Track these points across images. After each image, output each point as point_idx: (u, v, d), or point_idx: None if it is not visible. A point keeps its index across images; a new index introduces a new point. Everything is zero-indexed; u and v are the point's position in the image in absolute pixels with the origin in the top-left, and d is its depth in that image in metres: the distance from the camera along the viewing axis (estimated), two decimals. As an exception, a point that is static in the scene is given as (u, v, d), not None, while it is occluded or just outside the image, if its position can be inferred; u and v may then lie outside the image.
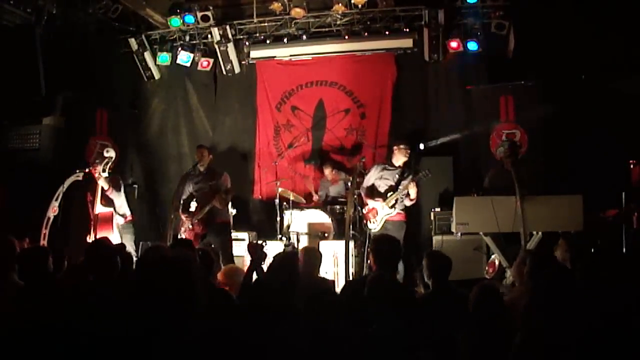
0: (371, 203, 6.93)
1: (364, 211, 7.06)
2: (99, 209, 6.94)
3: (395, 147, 7.09)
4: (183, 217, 6.77)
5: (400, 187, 6.73)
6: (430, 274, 3.90)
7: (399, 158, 6.96)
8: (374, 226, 6.86)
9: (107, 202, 7.06)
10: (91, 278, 3.96)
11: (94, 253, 3.82)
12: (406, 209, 6.96)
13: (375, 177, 6.96)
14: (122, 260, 3.90)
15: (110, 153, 7.09)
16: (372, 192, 6.95)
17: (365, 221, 7.08)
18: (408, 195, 6.72)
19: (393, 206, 6.76)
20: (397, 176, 6.85)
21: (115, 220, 7.05)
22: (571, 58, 7.32)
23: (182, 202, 6.87)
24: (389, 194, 6.77)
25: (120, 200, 7.19)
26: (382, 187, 6.90)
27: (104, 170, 6.96)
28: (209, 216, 6.71)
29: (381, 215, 6.82)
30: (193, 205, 6.84)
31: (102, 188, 6.95)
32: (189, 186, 6.92)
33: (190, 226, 6.70)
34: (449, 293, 3.72)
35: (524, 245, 5.58)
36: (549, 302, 3.14)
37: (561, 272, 3.34)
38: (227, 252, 6.77)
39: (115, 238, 6.81)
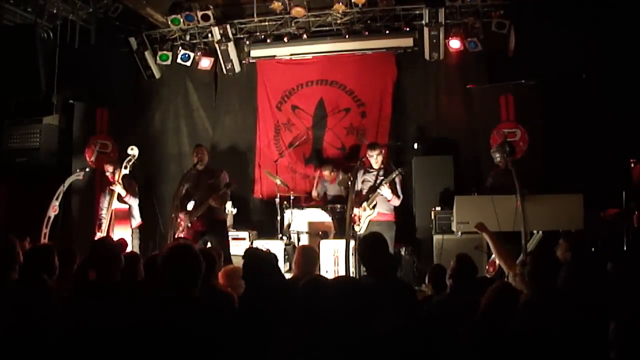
0: (356, 210, 6.95)
1: (352, 215, 7.14)
2: (115, 204, 6.97)
3: (367, 155, 7.05)
4: (180, 215, 6.76)
5: (378, 188, 6.81)
6: (452, 276, 3.78)
7: (373, 163, 6.98)
8: (359, 228, 6.90)
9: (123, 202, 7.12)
10: (93, 276, 3.96)
11: (97, 251, 3.81)
12: (398, 209, 7.00)
13: (360, 182, 6.99)
14: (127, 259, 3.90)
15: (134, 151, 7.15)
16: (357, 196, 6.95)
17: (352, 224, 7.13)
18: (384, 196, 6.77)
19: (373, 207, 6.82)
20: (375, 177, 6.91)
21: (130, 218, 7.10)
22: (572, 57, 7.31)
23: (179, 201, 6.87)
24: (370, 195, 6.83)
25: (135, 205, 7.23)
26: (364, 190, 6.96)
27: (125, 167, 7.00)
28: (208, 214, 6.70)
29: (364, 217, 6.86)
30: (190, 205, 6.83)
31: (119, 195, 6.97)
32: (185, 185, 6.91)
33: (189, 225, 6.69)
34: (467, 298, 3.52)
35: (524, 245, 5.58)
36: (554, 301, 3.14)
37: (566, 272, 3.34)
38: (226, 252, 6.76)
39: (129, 235, 6.85)
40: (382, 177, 6.82)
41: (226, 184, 6.73)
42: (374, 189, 6.84)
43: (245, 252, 3.91)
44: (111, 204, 6.97)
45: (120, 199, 7.00)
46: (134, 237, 7.13)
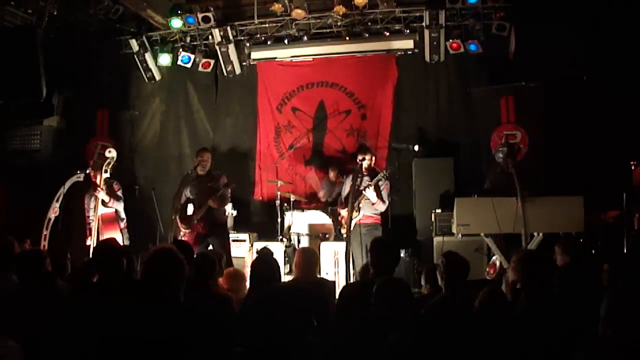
0: (342, 212, 7.05)
1: (339, 218, 7.23)
2: (101, 209, 6.92)
3: (358, 156, 7.08)
4: (179, 223, 6.74)
5: (363, 192, 6.80)
6: (444, 276, 3.76)
7: (365, 164, 6.97)
8: (345, 230, 6.86)
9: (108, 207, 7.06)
10: (94, 279, 3.97)
11: (101, 253, 3.80)
12: (389, 212, 7.07)
13: (349, 186, 6.99)
14: (127, 262, 3.90)
15: (112, 153, 7.06)
16: (345, 199, 7.00)
17: (339, 227, 7.24)
18: (369, 199, 6.77)
19: (358, 210, 6.83)
20: (363, 181, 6.88)
21: (118, 221, 7.06)
22: (572, 59, 7.31)
23: (179, 206, 6.82)
24: (356, 199, 6.82)
25: (120, 208, 7.18)
26: (352, 192, 6.92)
27: (105, 171, 6.94)
28: (208, 216, 6.69)
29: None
30: (190, 209, 6.82)
31: (103, 201, 6.91)
32: (186, 190, 6.87)
33: (189, 230, 6.67)
34: (462, 298, 3.53)
35: (524, 247, 5.57)
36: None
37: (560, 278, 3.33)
38: (228, 255, 6.74)
39: (119, 238, 6.81)
40: (367, 181, 6.83)
41: (225, 184, 6.72)
42: (359, 192, 6.84)
43: (259, 254, 3.86)
44: (97, 209, 6.90)
45: (104, 204, 6.94)
46: (124, 239, 7.08)
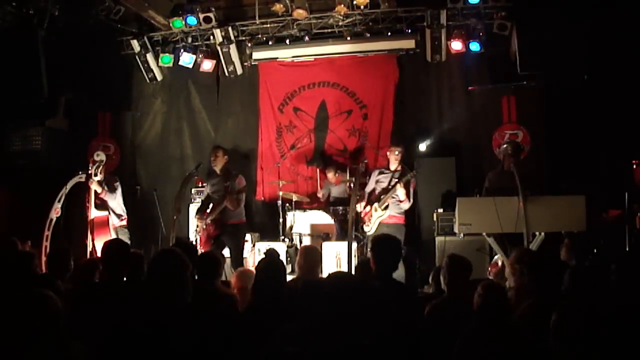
0: (367, 207, 7.02)
1: (362, 214, 7.14)
2: (94, 213, 6.89)
3: (388, 152, 7.13)
4: (196, 218, 6.80)
5: (393, 189, 6.78)
6: (447, 278, 3.76)
7: (392, 161, 6.98)
8: (369, 229, 6.93)
9: (102, 204, 7.03)
10: (97, 278, 3.97)
11: (110, 253, 3.80)
12: (407, 211, 6.99)
13: (374, 182, 7.02)
14: (133, 261, 3.90)
15: (101, 156, 7.05)
16: (369, 196, 7.03)
17: (361, 224, 7.16)
18: (397, 197, 6.76)
19: (385, 208, 6.82)
20: (390, 179, 6.89)
21: (111, 223, 7.03)
22: (573, 58, 7.30)
23: (201, 203, 6.96)
24: (381, 197, 6.83)
25: (115, 201, 7.15)
26: (377, 190, 6.97)
27: (95, 175, 6.93)
28: (222, 217, 6.68)
29: (375, 217, 6.85)
30: (210, 208, 6.86)
31: (96, 192, 6.91)
32: (207, 188, 6.99)
33: (204, 226, 6.69)
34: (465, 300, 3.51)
35: (527, 246, 5.56)
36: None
37: (570, 276, 3.32)
38: (238, 254, 6.76)
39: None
40: (396, 179, 6.81)
41: (239, 190, 6.70)
42: (386, 190, 6.83)
43: (266, 254, 3.86)
44: (90, 211, 6.88)
45: (97, 199, 6.91)
46: (122, 235, 7.01)
